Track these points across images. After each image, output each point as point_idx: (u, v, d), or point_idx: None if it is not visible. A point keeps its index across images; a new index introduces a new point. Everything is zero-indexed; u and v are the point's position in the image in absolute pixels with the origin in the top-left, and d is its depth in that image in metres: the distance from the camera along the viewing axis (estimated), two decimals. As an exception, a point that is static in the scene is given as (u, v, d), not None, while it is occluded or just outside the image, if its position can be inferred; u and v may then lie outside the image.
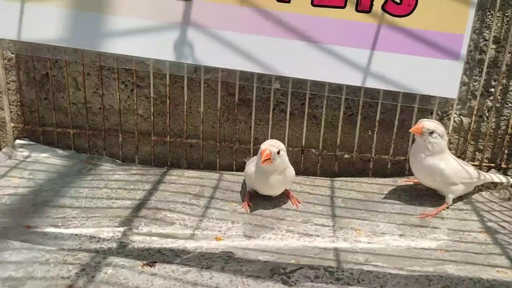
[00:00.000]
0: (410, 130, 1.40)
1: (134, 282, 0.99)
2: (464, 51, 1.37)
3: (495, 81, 1.52)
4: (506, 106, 1.55)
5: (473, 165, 1.54)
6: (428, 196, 1.43)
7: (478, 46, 1.48)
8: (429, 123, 1.35)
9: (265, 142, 1.28)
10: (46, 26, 1.45)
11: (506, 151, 1.58)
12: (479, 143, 1.59)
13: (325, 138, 1.61)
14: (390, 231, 1.25)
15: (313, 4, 1.37)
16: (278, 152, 1.26)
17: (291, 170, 1.35)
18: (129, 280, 0.99)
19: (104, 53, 1.50)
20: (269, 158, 1.24)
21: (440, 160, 1.34)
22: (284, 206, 1.37)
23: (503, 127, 1.57)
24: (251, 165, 1.36)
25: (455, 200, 1.40)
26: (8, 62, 1.65)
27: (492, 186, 1.50)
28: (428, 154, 1.34)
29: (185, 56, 1.44)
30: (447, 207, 1.37)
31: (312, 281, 1.02)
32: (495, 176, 1.47)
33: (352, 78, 1.43)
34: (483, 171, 1.53)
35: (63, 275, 1.00)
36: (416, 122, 1.53)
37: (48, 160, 1.63)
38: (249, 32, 1.41)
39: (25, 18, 1.45)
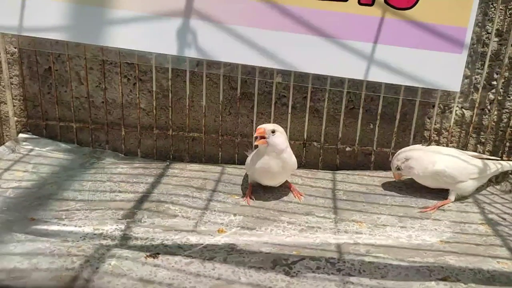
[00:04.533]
0: None
1: (137, 273, 1.00)
2: (467, 44, 1.37)
3: (497, 74, 1.52)
4: (508, 99, 1.54)
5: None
6: (429, 189, 1.44)
7: (481, 39, 1.48)
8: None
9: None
10: (48, 20, 1.46)
11: (507, 144, 1.58)
12: (481, 136, 1.59)
13: (327, 131, 1.61)
14: (391, 223, 1.25)
15: (315, -3, 1.37)
16: (273, 132, 1.26)
17: (292, 158, 1.34)
18: (132, 271, 1.00)
19: (106, 47, 1.50)
20: (264, 138, 1.25)
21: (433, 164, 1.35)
22: (286, 199, 1.37)
23: (505, 120, 1.56)
24: (252, 158, 1.37)
25: (464, 197, 1.40)
26: (11, 57, 1.66)
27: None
28: None
29: (187, 50, 1.45)
30: (448, 203, 1.37)
31: (313, 272, 1.02)
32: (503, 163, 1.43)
33: (355, 72, 1.43)
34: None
35: (67, 266, 1.01)
36: (417, 115, 1.54)
37: (51, 153, 1.64)
38: (251, 26, 1.41)
39: (26, 12, 1.46)
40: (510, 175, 1.49)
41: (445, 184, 1.38)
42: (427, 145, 1.47)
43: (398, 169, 1.40)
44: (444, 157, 1.37)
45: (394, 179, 1.46)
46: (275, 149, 1.27)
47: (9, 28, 1.49)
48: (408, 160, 1.38)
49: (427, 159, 1.36)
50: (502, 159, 1.50)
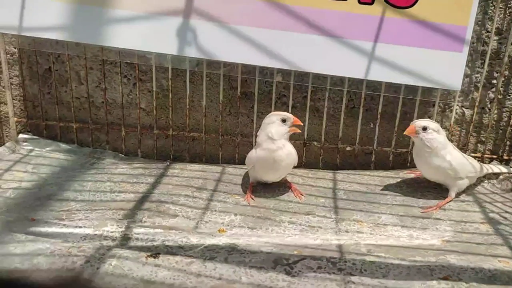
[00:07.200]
0: (404, 133, 1.38)
1: (138, 273, 1.00)
2: (467, 42, 1.37)
3: (497, 73, 1.52)
4: (508, 97, 1.54)
5: (475, 157, 1.55)
6: (430, 188, 1.44)
7: (481, 38, 1.48)
8: (420, 121, 1.36)
9: (278, 113, 1.36)
10: (48, 20, 1.45)
11: (508, 143, 1.58)
12: (481, 135, 1.59)
13: (327, 130, 1.61)
14: (392, 222, 1.25)
15: (315, -4, 1.37)
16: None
17: (293, 149, 1.37)
18: (133, 271, 1.00)
19: (106, 47, 1.50)
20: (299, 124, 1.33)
21: (445, 155, 1.34)
22: (286, 199, 1.37)
23: (505, 119, 1.56)
24: (252, 152, 1.37)
25: (458, 194, 1.40)
26: (11, 57, 1.66)
27: (493, 177, 1.51)
28: (430, 152, 1.34)
29: (187, 50, 1.44)
30: (450, 201, 1.37)
31: (314, 271, 1.02)
32: (495, 167, 1.48)
33: (355, 71, 1.43)
34: (485, 163, 1.53)
35: (68, 267, 1.01)
36: (418, 114, 1.54)
37: (52, 154, 1.64)
38: (251, 25, 1.41)
39: (26, 12, 1.46)
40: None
41: (446, 179, 1.37)
42: None
43: (424, 129, 1.33)
44: (453, 151, 1.37)
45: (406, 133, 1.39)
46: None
47: (9, 28, 1.49)
48: (437, 131, 1.34)
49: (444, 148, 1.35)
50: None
